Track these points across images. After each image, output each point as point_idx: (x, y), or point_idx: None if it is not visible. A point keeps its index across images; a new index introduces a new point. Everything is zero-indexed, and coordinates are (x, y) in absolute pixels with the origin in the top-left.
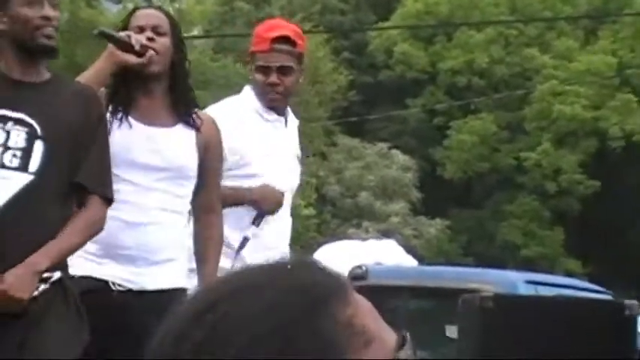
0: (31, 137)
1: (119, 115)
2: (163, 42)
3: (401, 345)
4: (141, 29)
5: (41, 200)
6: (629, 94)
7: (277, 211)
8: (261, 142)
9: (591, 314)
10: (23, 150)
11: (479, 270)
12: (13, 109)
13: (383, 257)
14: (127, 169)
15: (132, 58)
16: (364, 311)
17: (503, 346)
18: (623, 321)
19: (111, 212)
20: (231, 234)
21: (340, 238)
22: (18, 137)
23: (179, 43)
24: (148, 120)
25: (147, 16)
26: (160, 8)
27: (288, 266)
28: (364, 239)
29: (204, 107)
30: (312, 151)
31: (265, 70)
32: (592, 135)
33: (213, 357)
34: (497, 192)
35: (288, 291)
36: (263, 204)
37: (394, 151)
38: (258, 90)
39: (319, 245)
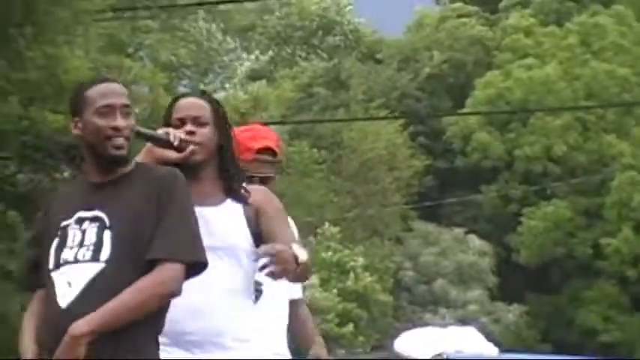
0: (101, 229)
1: None
2: (205, 133)
3: None
4: (181, 121)
5: (112, 286)
6: None
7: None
8: None
9: None
10: (95, 244)
11: (559, 357)
12: (88, 209)
13: (463, 344)
14: None
15: (172, 154)
16: None
17: None
18: None
19: (175, 300)
20: None
21: (417, 325)
22: (91, 233)
23: (224, 127)
24: (199, 201)
25: (187, 107)
26: (203, 94)
27: None
28: (444, 325)
29: (282, 190)
30: (388, 236)
31: (248, 179)
32: None
33: None
34: (575, 278)
35: None
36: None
37: (470, 236)
38: None
39: (396, 331)
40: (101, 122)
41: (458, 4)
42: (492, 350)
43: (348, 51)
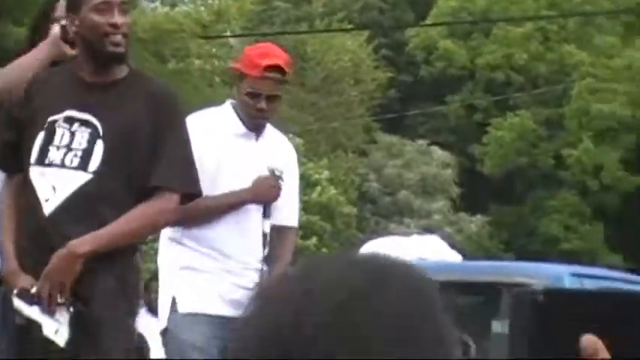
0: (94, 137)
1: None
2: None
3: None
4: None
5: (98, 199)
6: None
7: (278, 195)
8: (233, 161)
9: None
10: (84, 150)
11: (524, 264)
12: (80, 110)
13: (427, 252)
14: None
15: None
16: None
17: (555, 340)
18: None
19: None
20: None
21: (382, 235)
22: (82, 138)
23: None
24: None
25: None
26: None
27: (409, 266)
28: (407, 234)
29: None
30: (352, 148)
31: (255, 95)
32: (632, 131)
33: (343, 349)
34: (538, 188)
35: (411, 292)
36: (260, 197)
37: (433, 148)
38: (243, 111)
39: (360, 242)
40: (99, 19)
41: None
42: (456, 258)
43: None
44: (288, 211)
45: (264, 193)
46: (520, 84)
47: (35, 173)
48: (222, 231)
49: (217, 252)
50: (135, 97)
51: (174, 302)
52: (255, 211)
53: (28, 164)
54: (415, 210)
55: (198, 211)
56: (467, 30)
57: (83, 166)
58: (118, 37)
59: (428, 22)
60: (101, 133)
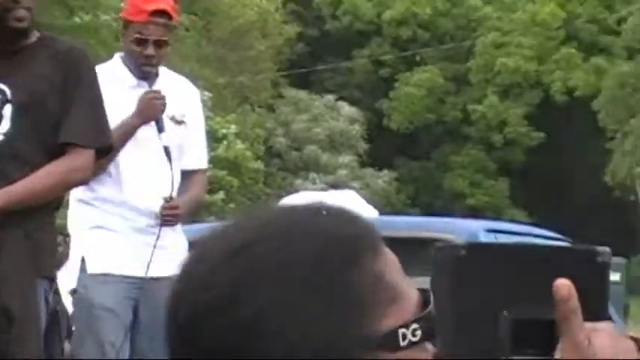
0: (2, 102)
1: None
2: None
3: (424, 302)
4: None
5: (8, 160)
6: (574, 48)
7: (164, 106)
8: (128, 113)
9: (565, 261)
10: None
11: (439, 219)
12: None
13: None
14: None
15: None
16: (392, 266)
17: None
18: (596, 268)
19: None
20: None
21: (290, 192)
22: None
23: None
24: None
25: None
26: None
27: (323, 212)
28: (323, 190)
29: None
30: (259, 103)
31: (142, 42)
32: (536, 87)
33: (237, 299)
34: (444, 143)
35: (324, 240)
36: (146, 114)
37: (341, 103)
38: (132, 60)
39: (272, 198)
40: None
41: None
42: (373, 213)
43: None
44: (196, 153)
45: (150, 109)
46: (426, 40)
47: None
48: (129, 187)
49: (127, 209)
50: (42, 58)
51: (83, 262)
52: (156, 151)
53: None
54: (322, 165)
55: None
56: None
57: None
58: (22, 12)
59: None
60: (9, 97)
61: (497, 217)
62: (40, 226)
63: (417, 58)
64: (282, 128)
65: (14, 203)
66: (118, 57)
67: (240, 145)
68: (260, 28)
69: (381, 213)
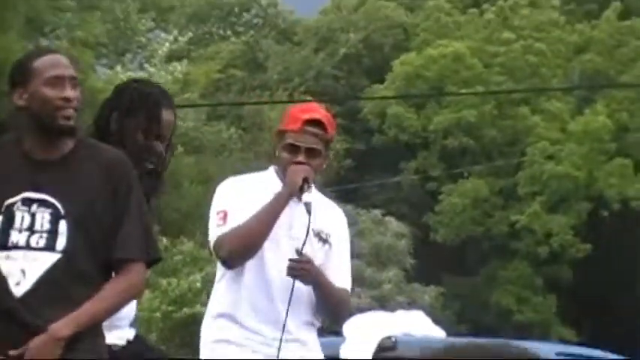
0: (55, 218)
1: None
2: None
3: None
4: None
5: (69, 278)
6: (627, 159)
7: (310, 172)
8: (277, 223)
9: None
10: (49, 232)
11: (507, 341)
12: (36, 190)
13: (412, 328)
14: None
15: None
16: None
17: None
18: None
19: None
20: None
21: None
22: (43, 219)
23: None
24: None
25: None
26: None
27: None
28: (363, 306)
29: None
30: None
31: (293, 148)
32: (585, 199)
33: None
34: (491, 258)
35: None
36: (293, 177)
37: (388, 218)
38: (282, 168)
39: None
40: (50, 93)
41: None
42: (440, 333)
43: (265, 30)
44: (340, 275)
45: (294, 174)
46: (473, 149)
47: (0, 258)
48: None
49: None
50: (89, 169)
51: None
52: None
53: None
54: (367, 279)
55: (246, 232)
56: (421, 97)
57: (51, 246)
58: (70, 111)
59: (383, 87)
60: (62, 213)
61: (545, 335)
62: (98, 335)
63: (465, 174)
64: None
65: (83, 327)
66: (272, 169)
67: None
68: None
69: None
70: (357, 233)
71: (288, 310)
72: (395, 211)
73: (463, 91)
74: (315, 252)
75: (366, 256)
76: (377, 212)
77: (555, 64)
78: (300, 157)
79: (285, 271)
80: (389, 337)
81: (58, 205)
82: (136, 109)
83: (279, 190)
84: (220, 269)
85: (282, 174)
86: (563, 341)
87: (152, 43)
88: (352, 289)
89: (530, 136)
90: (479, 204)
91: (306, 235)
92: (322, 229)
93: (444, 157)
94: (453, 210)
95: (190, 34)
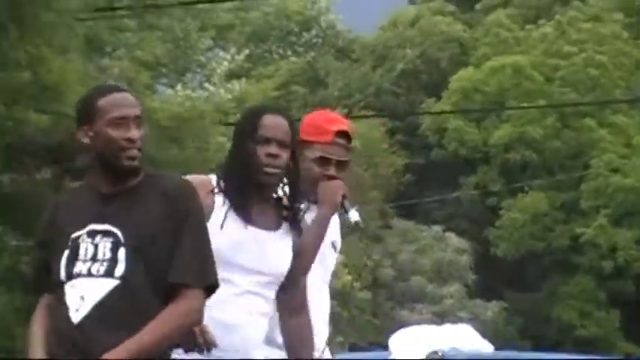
0: (116, 245)
1: (232, 214)
2: (285, 157)
3: None
4: (267, 141)
5: (126, 304)
6: None
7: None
8: None
9: None
10: (109, 259)
11: (556, 355)
12: (100, 222)
13: (460, 342)
14: (231, 270)
15: None
16: None
17: None
18: None
19: (210, 313)
20: None
21: (398, 323)
22: (105, 248)
23: (295, 151)
24: (258, 223)
25: (276, 127)
26: (285, 113)
27: None
28: (424, 321)
29: None
30: (366, 233)
31: (324, 161)
32: None
33: None
34: (552, 273)
35: None
36: (331, 197)
37: (448, 234)
38: (310, 181)
39: (375, 329)
40: (115, 133)
41: (433, 3)
42: (488, 348)
43: (324, 49)
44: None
45: (331, 192)
46: (535, 165)
47: (66, 288)
48: None
49: None
50: (150, 197)
51: None
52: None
53: (57, 281)
54: (427, 295)
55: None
56: (480, 111)
57: (110, 272)
58: (134, 152)
59: (441, 102)
60: (122, 240)
61: (608, 350)
62: None
63: (526, 189)
64: (389, 259)
65: (137, 356)
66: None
67: (347, 276)
68: (365, 158)
69: (501, 347)
70: (417, 250)
71: None
72: (455, 227)
73: (525, 104)
74: (330, 262)
75: (427, 273)
76: (437, 228)
77: (618, 77)
78: (332, 170)
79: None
80: (436, 352)
81: (119, 234)
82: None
83: (321, 211)
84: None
85: (309, 186)
86: (628, 356)
87: (211, 61)
88: (413, 305)
89: (595, 149)
90: (539, 218)
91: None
92: (335, 238)
93: (505, 171)
94: (512, 225)
95: (247, 51)
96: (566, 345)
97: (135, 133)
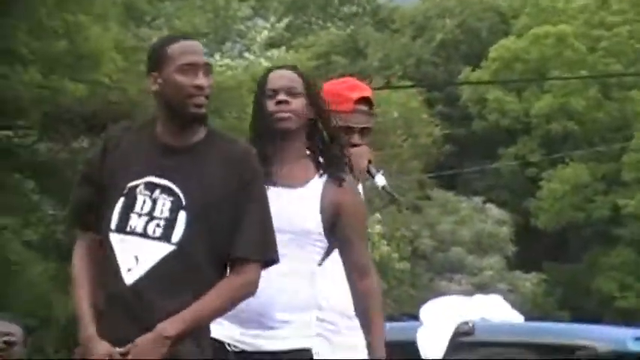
0: (176, 207)
1: None
2: (297, 102)
3: None
4: (275, 92)
5: (181, 271)
6: None
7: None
8: None
9: None
10: (167, 220)
11: (587, 326)
12: (160, 176)
13: (489, 312)
14: None
15: None
16: None
17: None
18: None
19: None
20: None
21: (435, 293)
22: (163, 207)
23: (317, 102)
24: (279, 180)
25: (280, 78)
26: (294, 68)
27: None
28: (469, 293)
29: None
30: (405, 204)
31: (348, 130)
32: None
33: None
34: (593, 245)
35: None
36: (358, 165)
37: (489, 205)
38: None
39: (413, 300)
40: (183, 80)
41: None
42: (518, 318)
43: (364, 20)
44: None
45: (360, 161)
46: (577, 137)
47: (116, 239)
48: None
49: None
50: (215, 161)
51: None
52: None
53: (108, 229)
54: (467, 267)
55: None
56: (521, 81)
57: (166, 236)
58: (202, 99)
59: (480, 72)
60: (184, 203)
61: None
62: (205, 332)
63: (566, 159)
64: (429, 229)
65: (192, 327)
66: None
67: (385, 247)
68: (404, 127)
69: (530, 317)
70: (457, 221)
71: None
72: (495, 198)
73: (567, 75)
74: None
75: (467, 244)
76: (477, 199)
77: None
78: (355, 138)
79: None
80: (466, 322)
81: (181, 195)
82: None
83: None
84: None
85: None
86: None
87: (251, 31)
88: (452, 276)
89: (637, 121)
90: (579, 190)
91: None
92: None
93: (545, 142)
94: (553, 196)
95: (287, 20)
96: (606, 317)
97: (203, 80)
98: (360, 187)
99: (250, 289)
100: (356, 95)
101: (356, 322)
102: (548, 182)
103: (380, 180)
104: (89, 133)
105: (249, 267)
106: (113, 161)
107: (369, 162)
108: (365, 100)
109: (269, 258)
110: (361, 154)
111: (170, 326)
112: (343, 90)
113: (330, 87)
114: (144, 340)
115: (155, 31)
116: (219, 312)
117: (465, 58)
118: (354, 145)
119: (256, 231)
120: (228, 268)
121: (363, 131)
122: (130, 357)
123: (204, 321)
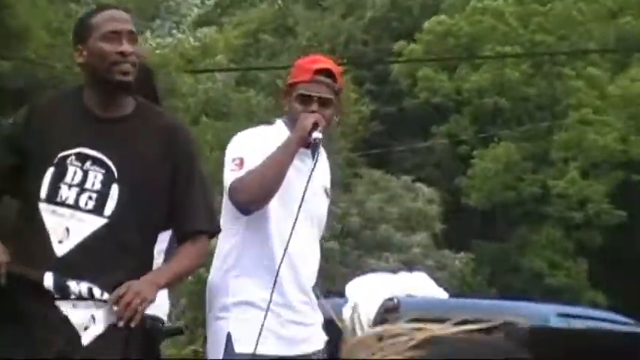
0: (108, 180)
1: None
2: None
3: None
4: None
5: (113, 245)
6: None
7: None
8: (287, 178)
9: (631, 348)
10: (99, 192)
11: (510, 302)
12: (92, 147)
13: (414, 289)
14: None
15: None
16: None
17: None
18: None
19: None
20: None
21: (364, 270)
22: (95, 179)
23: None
24: None
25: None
26: None
27: None
28: (394, 270)
29: (226, 138)
30: (334, 182)
31: (305, 99)
32: (620, 166)
33: None
34: (522, 223)
35: None
36: (303, 122)
37: (419, 184)
38: (293, 120)
39: (343, 277)
40: (107, 47)
41: None
42: (443, 295)
43: None
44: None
45: (304, 119)
46: (507, 114)
47: (46, 210)
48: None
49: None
50: (147, 133)
51: (229, 341)
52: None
53: (37, 198)
54: (395, 244)
55: (262, 175)
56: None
57: (98, 209)
58: (127, 66)
59: (413, 46)
60: (116, 176)
61: (576, 299)
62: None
63: (495, 139)
64: (357, 207)
65: (170, 283)
66: (280, 122)
67: None
68: None
69: (456, 294)
70: (386, 198)
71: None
72: (426, 177)
73: (498, 50)
74: (322, 209)
75: (395, 221)
76: (407, 178)
77: (592, 27)
78: (314, 107)
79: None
80: (391, 298)
81: (113, 168)
82: None
83: (290, 135)
84: (232, 220)
85: (293, 125)
86: (594, 306)
87: (181, 8)
88: (380, 253)
89: (569, 97)
90: (510, 168)
91: (308, 181)
92: (326, 184)
93: (477, 120)
94: (484, 174)
95: None
96: (534, 294)
97: (128, 47)
98: (325, 163)
99: (203, 261)
100: (316, 66)
101: None
102: (480, 161)
103: (315, 134)
104: (15, 109)
105: (199, 238)
106: (41, 130)
107: (315, 124)
108: (326, 72)
109: (217, 229)
110: (307, 116)
111: (160, 276)
112: (306, 63)
113: (296, 63)
114: (136, 282)
115: (83, 7)
116: (189, 272)
117: (395, 37)
118: (312, 112)
119: (204, 204)
120: (178, 241)
121: (322, 102)
122: (126, 291)
123: (179, 278)
